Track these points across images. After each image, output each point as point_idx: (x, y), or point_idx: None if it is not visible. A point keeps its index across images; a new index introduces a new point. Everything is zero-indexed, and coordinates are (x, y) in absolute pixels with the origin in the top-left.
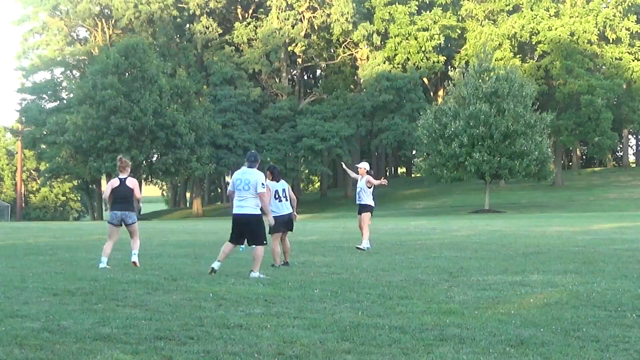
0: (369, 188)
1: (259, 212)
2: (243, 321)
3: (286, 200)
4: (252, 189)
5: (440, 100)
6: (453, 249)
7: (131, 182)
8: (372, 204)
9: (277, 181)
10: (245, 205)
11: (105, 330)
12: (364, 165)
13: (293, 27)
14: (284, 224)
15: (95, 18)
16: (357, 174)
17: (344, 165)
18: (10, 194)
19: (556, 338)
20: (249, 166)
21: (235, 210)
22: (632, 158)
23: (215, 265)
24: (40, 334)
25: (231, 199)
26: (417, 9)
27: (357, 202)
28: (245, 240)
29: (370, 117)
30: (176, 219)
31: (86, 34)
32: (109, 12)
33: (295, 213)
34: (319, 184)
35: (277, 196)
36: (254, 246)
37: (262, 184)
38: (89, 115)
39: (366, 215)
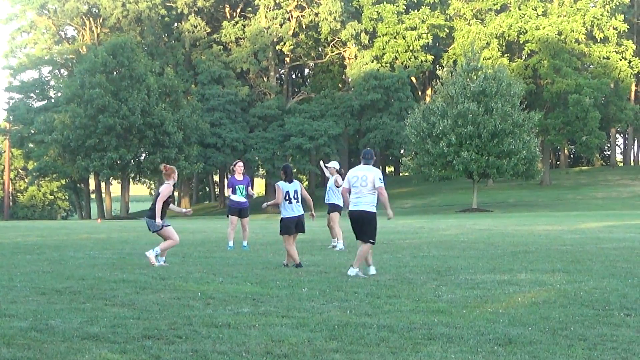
0: (338, 188)
1: (375, 210)
2: (231, 320)
3: (297, 202)
4: (369, 184)
5: (428, 99)
6: (441, 248)
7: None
8: (340, 203)
9: (290, 182)
10: (362, 202)
11: (93, 329)
12: (333, 165)
13: (281, 26)
14: (295, 225)
15: (83, 17)
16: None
17: (321, 163)
18: None
19: (544, 337)
20: (365, 163)
21: (352, 207)
22: (619, 157)
23: (372, 270)
24: (28, 333)
25: (344, 197)
26: (405, 8)
27: (325, 202)
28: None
29: (358, 116)
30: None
31: (74, 32)
32: (96, 11)
33: (313, 213)
34: (307, 182)
35: (287, 197)
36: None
37: (380, 179)
38: (77, 114)
39: (334, 215)
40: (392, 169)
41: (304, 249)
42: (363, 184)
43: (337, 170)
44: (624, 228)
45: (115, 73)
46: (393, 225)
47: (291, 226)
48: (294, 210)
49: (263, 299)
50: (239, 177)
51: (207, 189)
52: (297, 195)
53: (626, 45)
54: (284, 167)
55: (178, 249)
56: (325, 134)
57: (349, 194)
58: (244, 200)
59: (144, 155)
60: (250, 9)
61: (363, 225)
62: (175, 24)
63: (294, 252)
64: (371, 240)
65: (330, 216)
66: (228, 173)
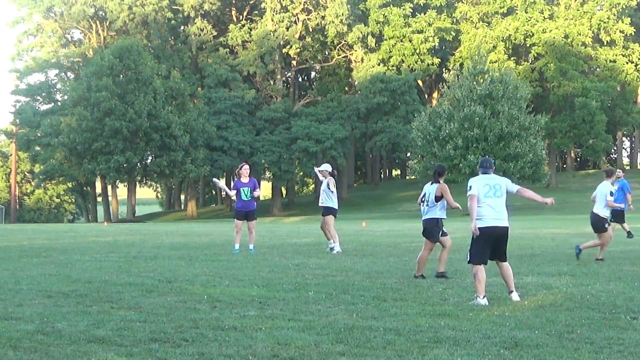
0: (331, 191)
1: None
2: (237, 323)
3: (428, 205)
4: (504, 194)
5: (434, 102)
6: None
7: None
8: (335, 206)
9: (432, 183)
10: (501, 216)
11: (100, 332)
12: (325, 168)
13: (287, 29)
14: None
15: (90, 20)
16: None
17: (315, 169)
18: (4, 196)
19: (550, 340)
20: (485, 172)
21: (492, 223)
22: (626, 160)
23: (515, 297)
24: (34, 336)
25: (471, 206)
26: (411, 11)
27: (320, 204)
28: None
29: (365, 119)
30: (171, 221)
31: (80, 35)
32: (103, 14)
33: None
34: (313, 186)
35: (423, 200)
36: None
37: (511, 183)
38: (84, 117)
39: (329, 218)
40: (398, 172)
41: (310, 252)
42: (498, 194)
43: (329, 172)
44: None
45: (121, 76)
46: (400, 228)
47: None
48: (429, 212)
49: (269, 302)
50: (244, 179)
51: (214, 192)
52: (429, 199)
53: (633, 49)
54: (440, 167)
55: (185, 252)
56: (332, 137)
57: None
58: (250, 202)
59: (150, 158)
60: (256, 12)
61: (505, 243)
62: (182, 27)
63: (424, 261)
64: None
65: (325, 219)
66: (235, 177)
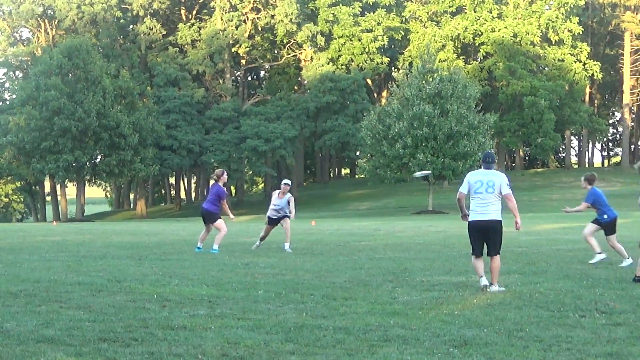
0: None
1: (501, 218)
2: (187, 322)
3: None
4: (496, 190)
5: (383, 101)
6: (397, 250)
7: None
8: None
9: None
10: (489, 210)
11: (49, 332)
12: (286, 182)
13: (237, 28)
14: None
15: (38, 19)
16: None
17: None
18: None
19: (499, 338)
20: (487, 167)
21: (478, 217)
22: (574, 159)
23: (483, 281)
24: None
25: (460, 203)
26: (361, 10)
27: (278, 215)
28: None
29: (314, 118)
30: (120, 220)
31: (29, 34)
32: (52, 13)
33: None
34: (262, 185)
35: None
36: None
37: (508, 184)
38: (32, 117)
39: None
40: (348, 171)
41: (260, 251)
42: (490, 190)
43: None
44: (579, 230)
45: (70, 75)
46: (349, 227)
47: None
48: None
49: (219, 301)
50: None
51: (163, 191)
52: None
53: (581, 48)
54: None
55: (134, 251)
56: (281, 136)
57: (464, 198)
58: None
59: (99, 157)
60: (206, 11)
61: (494, 236)
62: (131, 26)
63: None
64: (500, 252)
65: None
66: (204, 179)
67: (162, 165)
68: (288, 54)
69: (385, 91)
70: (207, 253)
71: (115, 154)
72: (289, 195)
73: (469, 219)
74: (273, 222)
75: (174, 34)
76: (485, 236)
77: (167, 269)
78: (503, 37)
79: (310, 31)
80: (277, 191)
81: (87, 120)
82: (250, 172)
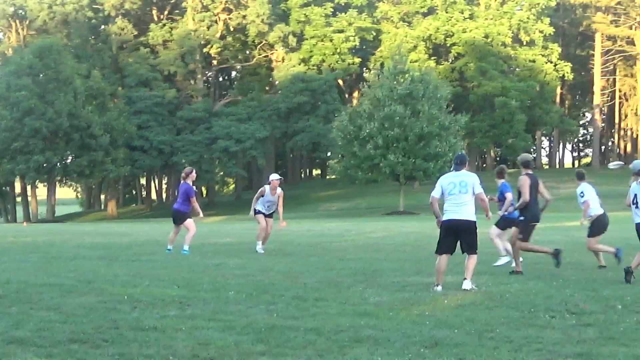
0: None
1: (475, 219)
2: (158, 323)
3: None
4: (469, 190)
5: (355, 102)
6: (368, 251)
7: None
8: (265, 210)
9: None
10: (462, 210)
11: (19, 333)
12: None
13: (208, 28)
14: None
15: (10, 19)
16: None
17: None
18: None
19: (470, 339)
20: (456, 169)
21: (451, 216)
22: (545, 160)
23: (438, 289)
24: None
25: (433, 206)
26: (332, 10)
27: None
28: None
29: (286, 118)
30: (91, 221)
31: (0, 34)
32: (23, 13)
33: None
34: (233, 185)
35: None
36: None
37: (479, 184)
38: (3, 117)
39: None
40: (319, 172)
41: (231, 252)
42: (463, 191)
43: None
44: (548, 230)
45: (41, 75)
46: (320, 228)
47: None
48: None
49: (190, 302)
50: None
51: (134, 192)
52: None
53: (552, 49)
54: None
55: (105, 252)
56: (252, 136)
57: (437, 202)
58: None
59: (70, 158)
60: (177, 11)
61: (468, 236)
62: (102, 27)
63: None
64: (477, 251)
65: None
66: (180, 179)
67: (133, 166)
68: (260, 55)
69: (357, 92)
70: (178, 254)
71: (86, 154)
72: (279, 190)
73: (443, 218)
74: (268, 216)
75: (146, 35)
76: (459, 236)
77: (138, 270)
78: (474, 37)
79: (282, 32)
80: (267, 186)
81: (58, 120)
82: (222, 173)
